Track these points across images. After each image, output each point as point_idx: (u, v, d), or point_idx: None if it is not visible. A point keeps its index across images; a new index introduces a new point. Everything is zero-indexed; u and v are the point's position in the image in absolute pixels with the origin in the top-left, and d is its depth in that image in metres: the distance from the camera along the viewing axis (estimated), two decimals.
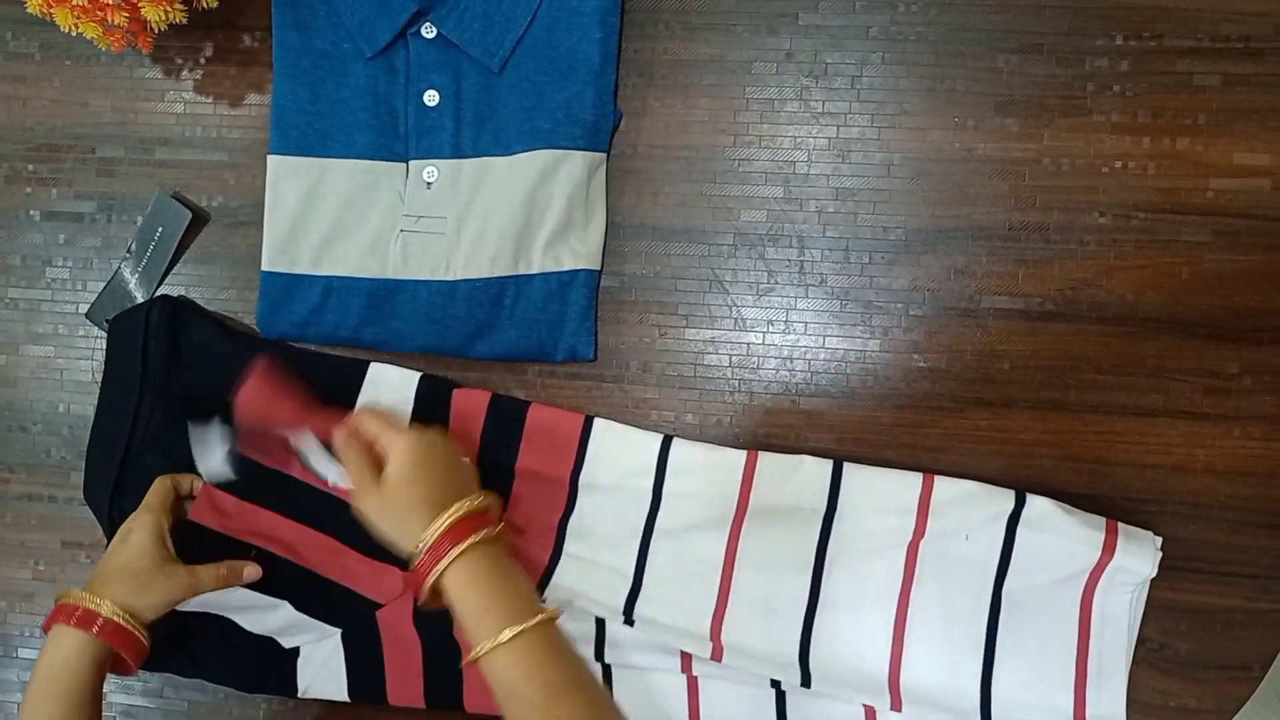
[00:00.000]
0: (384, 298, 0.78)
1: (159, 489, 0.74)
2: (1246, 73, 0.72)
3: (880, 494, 0.73)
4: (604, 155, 0.77)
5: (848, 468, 0.74)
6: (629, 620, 0.74)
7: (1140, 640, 0.72)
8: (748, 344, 0.77)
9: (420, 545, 0.64)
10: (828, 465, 0.74)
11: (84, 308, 0.83)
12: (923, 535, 0.72)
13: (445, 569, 0.63)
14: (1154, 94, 0.73)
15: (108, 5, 0.71)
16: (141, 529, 0.71)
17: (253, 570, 0.74)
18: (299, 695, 0.79)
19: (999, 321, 0.75)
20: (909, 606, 0.72)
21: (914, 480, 0.73)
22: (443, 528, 0.64)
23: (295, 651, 0.79)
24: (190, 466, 0.78)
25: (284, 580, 0.76)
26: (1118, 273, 0.73)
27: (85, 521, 0.83)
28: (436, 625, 0.75)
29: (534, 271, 0.77)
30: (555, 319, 0.77)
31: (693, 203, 0.77)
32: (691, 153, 0.77)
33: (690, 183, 0.77)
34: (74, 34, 0.73)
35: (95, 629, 0.66)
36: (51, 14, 0.72)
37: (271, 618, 0.77)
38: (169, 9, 0.73)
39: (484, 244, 0.77)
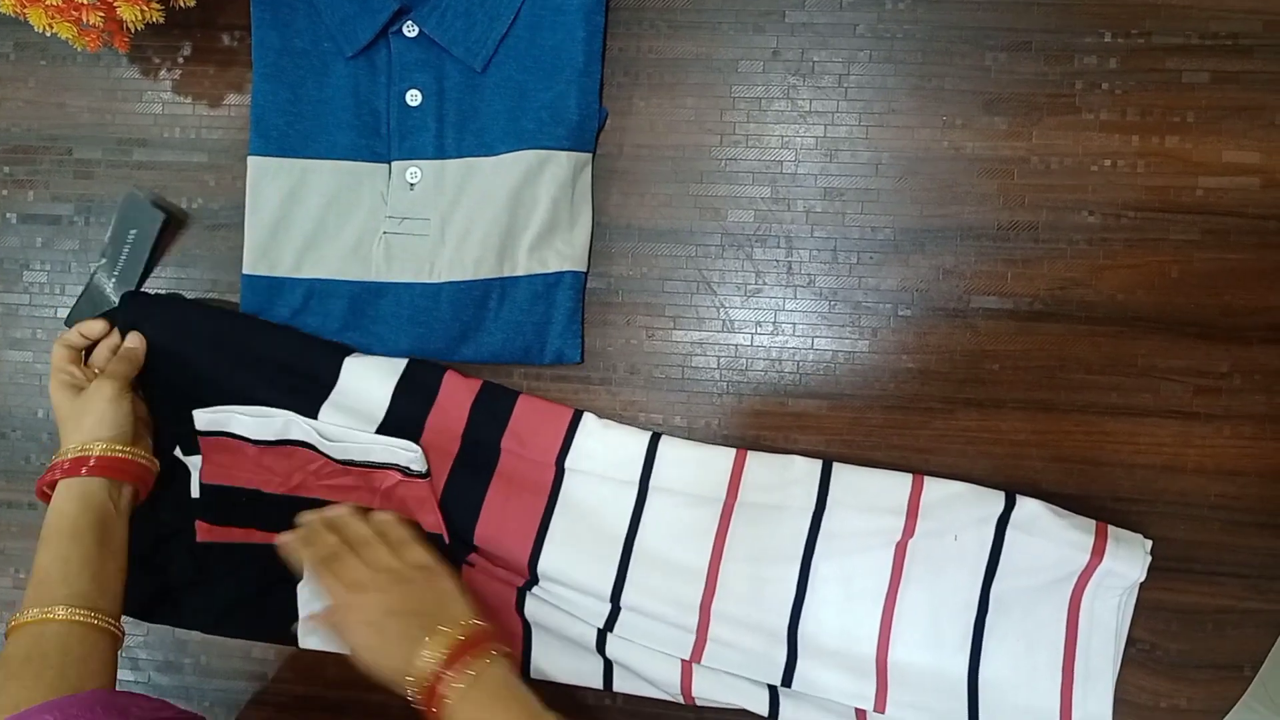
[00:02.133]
0: (367, 300, 0.77)
1: (54, 355, 0.76)
2: (1235, 70, 0.72)
3: (869, 494, 0.73)
4: (589, 155, 0.76)
5: (837, 467, 0.74)
6: (615, 607, 0.73)
7: (1130, 640, 0.72)
8: (736, 345, 0.77)
9: (412, 690, 0.63)
10: (817, 465, 0.74)
11: (62, 312, 0.82)
12: (911, 535, 0.71)
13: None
14: (1143, 92, 0.72)
15: (83, 5, 0.69)
16: (56, 386, 0.74)
17: (136, 338, 0.76)
18: (298, 643, 0.78)
19: (988, 322, 0.74)
20: (896, 605, 0.72)
21: (903, 480, 0.72)
22: (426, 676, 0.62)
23: (294, 597, 0.78)
24: (168, 461, 0.78)
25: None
26: (1107, 272, 0.73)
27: None
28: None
29: (519, 273, 0.76)
30: (541, 321, 0.76)
31: (679, 203, 0.77)
32: (678, 152, 0.77)
33: (677, 183, 0.77)
34: (48, 34, 0.71)
35: (87, 469, 0.70)
36: (25, 14, 0.70)
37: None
38: (145, 8, 0.72)
39: (468, 246, 0.76)
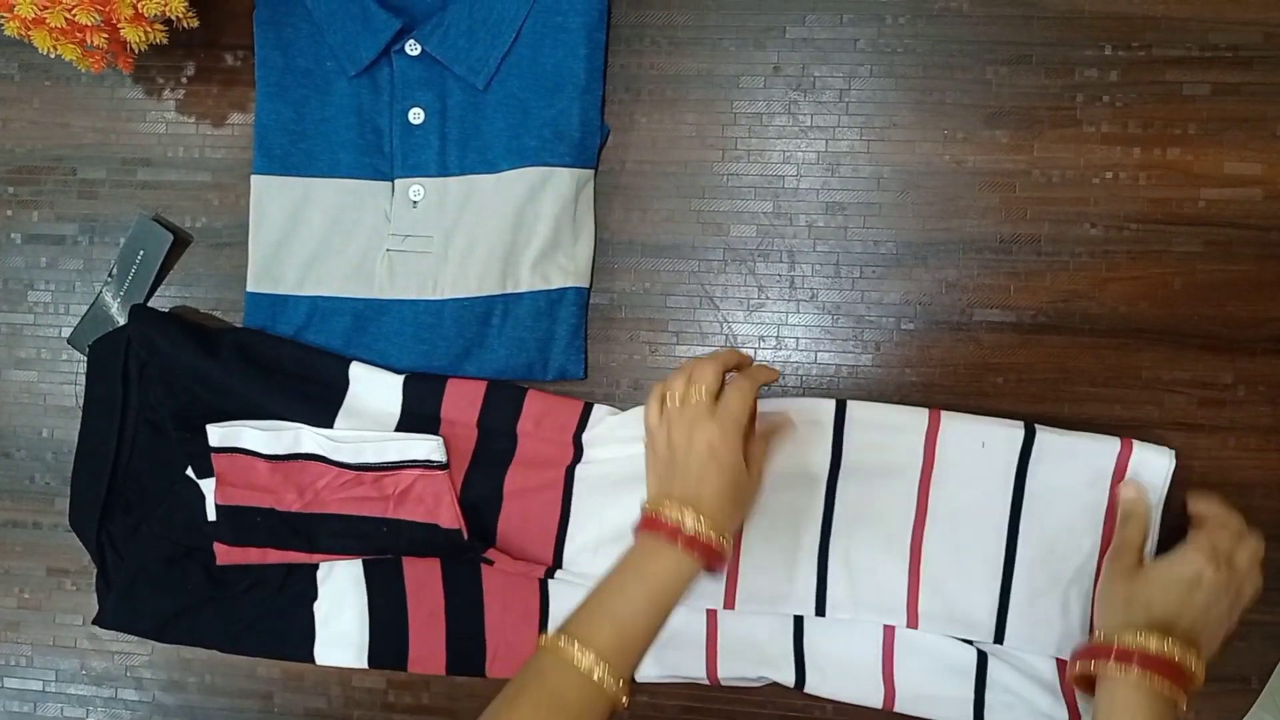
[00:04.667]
0: (370, 318, 0.77)
1: (738, 398, 0.64)
2: (1236, 81, 0.72)
3: (886, 417, 0.73)
4: (591, 172, 0.76)
5: (851, 404, 0.74)
6: None
7: None
8: None
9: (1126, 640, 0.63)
10: (830, 404, 0.74)
11: (67, 331, 0.82)
12: (935, 445, 0.72)
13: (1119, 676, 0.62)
14: (1144, 104, 0.73)
15: (87, 27, 0.69)
16: (730, 450, 0.63)
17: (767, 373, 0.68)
18: (314, 659, 0.78)
19: (991, 334, 0.74)
20: (926, 515, 0.72)
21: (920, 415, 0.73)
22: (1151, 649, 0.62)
23: (313, 613, 0.78)
24: (180, 484, 0.77)
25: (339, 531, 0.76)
26: (1110, 284, 0.73)
27: (71, 548, 0.82)
28: (462, 588, 0.76)
29: (522, 290, 0.76)
30: (544, 337, 0.76)
31: (682, 218, 0.77)
32: (680, 168, 0.77)
33: (679, 198, 0.77)
34: (53, 56, 0.72)
35: (696, 553, 0.61)
36: (30, 36, 0.70)
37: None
38: (149, 30, 0.72)
39: (471, 263, 0.76)
